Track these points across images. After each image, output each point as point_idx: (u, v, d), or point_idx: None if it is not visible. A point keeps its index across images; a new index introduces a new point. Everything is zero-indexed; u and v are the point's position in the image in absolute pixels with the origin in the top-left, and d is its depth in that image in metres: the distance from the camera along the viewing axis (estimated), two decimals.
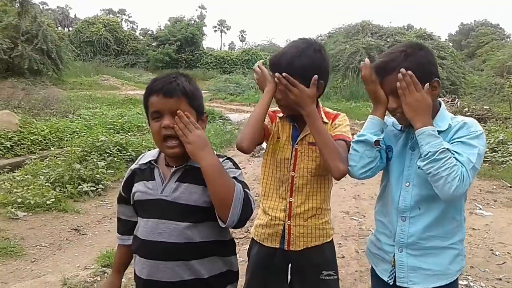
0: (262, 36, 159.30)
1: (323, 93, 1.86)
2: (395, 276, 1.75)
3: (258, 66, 1.96)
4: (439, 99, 1.74)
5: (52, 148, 7.71)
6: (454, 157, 1.53)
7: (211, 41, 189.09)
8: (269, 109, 1.89)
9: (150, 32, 44.62)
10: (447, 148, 1.54)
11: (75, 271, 3.62)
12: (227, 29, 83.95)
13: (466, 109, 12.83)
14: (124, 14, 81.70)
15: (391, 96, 1.67)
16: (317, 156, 1.86)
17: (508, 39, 42.32)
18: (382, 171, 1.83)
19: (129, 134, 9.20)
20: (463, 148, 1.57)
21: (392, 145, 1.77)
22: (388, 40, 24.60)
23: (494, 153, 8.11)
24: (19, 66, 19.35)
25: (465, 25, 55.74)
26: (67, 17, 72.45)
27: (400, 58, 1.62)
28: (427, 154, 1.54)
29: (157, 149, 1.67)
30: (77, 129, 9.16)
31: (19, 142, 7.79)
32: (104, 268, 3.60)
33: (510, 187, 6.67)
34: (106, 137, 7.54)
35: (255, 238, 2.00)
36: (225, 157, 1.62)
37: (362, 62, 1.71)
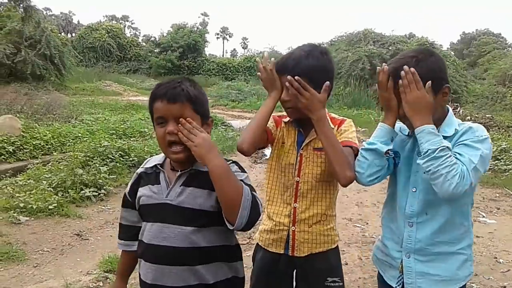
0: (264, 43, 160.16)
1: (330, 96, 1.86)
2: (403, 282, 1.73)
3: (267, 66, 1.86)
4: None
5: (54, 153, 7.71)
6: (455, 157, 1.52)
7: (214, 48, 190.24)
8: (275, 114, 1.89)
9: (152, 38, 44.71)
10: (447, 147, 1.52)
11: (77, 276, 3.61)
12: (230, 36, 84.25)
13: (469, 117, 12.84)
14: (127, 21, 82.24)
15: (402, 103, 1.65)
16: (322, 162, 1.85)
17: (510, 48, 42.31)
18: (388, 176, 1.82)
19: (132, 139, 9.21)
20: (466, 150, 1.56)
21: (399, 150, 1.75)
22: (390, 48, 24.63)
23: (496, 161, 8.10)
24: (22, 71, 19.39)
25: (467, 34, 55.76)
26: (70, 23, 72.80)
27: (411, 64, 1.60)
28: (427, 151, 1.53)
29: (163, 154, 1.67)
30: (80, 134, 9.16)
31: (21, 147, 7.79)
32: (106, 273, 3.59)
33: None
34: (109, 142, 7.54)
35: (259, 244, 1.99)
36: (231, 161, 1.62)
37: (378, 67, 1.69)
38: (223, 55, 69.05)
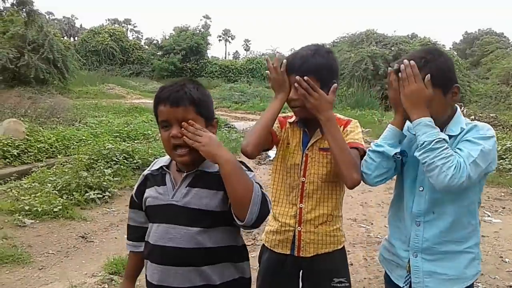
0: (267, 45, 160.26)
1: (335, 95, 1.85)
2: (410, 281, 1.72)
3: (278, 67, 1.82)
4: None
5: (59, 156, 7.73)
6: (455, 152, 1.51)
7: (216, 50, 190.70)
8: (280, 114, 1.88)
9: (155, 41, 44.68)
10: (444, 139, 1.52)
11: (83, 278, 3.61)
12: (232, 39, 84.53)
13: (473, 116, 12.77)
14: (130, 24, 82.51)
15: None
16: (328, 162, 1.84)
17: None
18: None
19: (135, 142, 9.20)
20: (466, 145, 1.55)
21: (406, 150, 1.74)
22: (392, 48, 24.63)
23: (501, 161, 8.05)
24: (25, 75, 19.43)
25: (469, 34, 55.61)
26: (73, 27, 73.07)
27: (420, 65, 1.59)
28: (423, 143, 1.52)
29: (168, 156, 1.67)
30: (84, 137, 9.18)
31: (26, 150, 7.82)
32: (111, 276, 3.59)
33: None
34: (113, 145, 7.55)
35: (265, 244, 1.99)
36: (238, 161, 1.61)
37: (389, 68, 1.68)
38: (225, 57, 69.04)
